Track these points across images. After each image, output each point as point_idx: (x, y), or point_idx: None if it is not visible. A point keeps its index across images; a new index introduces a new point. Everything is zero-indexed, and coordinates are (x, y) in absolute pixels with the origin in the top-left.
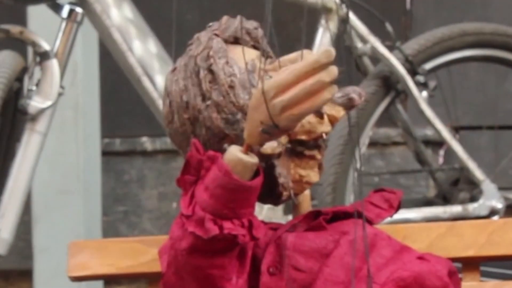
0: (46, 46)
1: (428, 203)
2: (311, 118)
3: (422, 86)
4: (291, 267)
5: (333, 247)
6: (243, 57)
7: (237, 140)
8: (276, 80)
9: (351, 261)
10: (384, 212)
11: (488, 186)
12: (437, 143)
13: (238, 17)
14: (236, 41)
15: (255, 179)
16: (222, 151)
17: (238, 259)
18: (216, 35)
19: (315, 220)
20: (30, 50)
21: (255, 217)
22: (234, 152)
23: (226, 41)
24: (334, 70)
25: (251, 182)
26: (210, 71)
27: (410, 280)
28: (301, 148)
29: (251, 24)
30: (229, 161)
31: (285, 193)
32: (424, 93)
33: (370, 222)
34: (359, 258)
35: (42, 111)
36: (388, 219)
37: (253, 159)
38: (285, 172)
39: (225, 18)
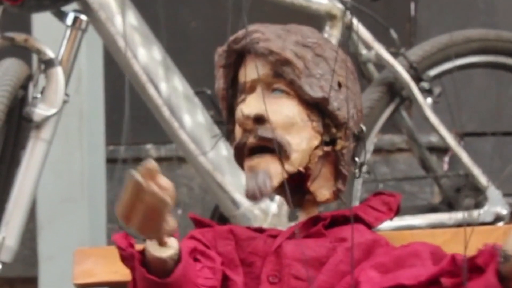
0: (50, 53)
1: (433, 209)
2: None
3: (426, 92)
4: (291, 275)
5: (330, 254)
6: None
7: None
8: (117, 211)
9: (345, 268)
10: (383, 215)
11: (493, 193)
12: (442, 150)
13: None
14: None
15: (176, 269)
16: None
17: None
18: (228, 45)
19: (314, 226)
20: (34, 58)
21: None
22: (148, 249)
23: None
24: (159, 181)
25: (169, 278)
26: None
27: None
28: None
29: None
30: (147, 258)
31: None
32: (429, 100)
33: (370, 226)
34: (347, 263)
35: (47, 118)
36: (393, 225)
37: (166, 253)
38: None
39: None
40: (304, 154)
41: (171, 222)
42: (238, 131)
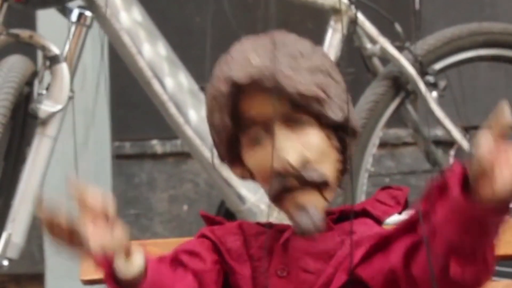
0: (55, 50)
1: None
2: None
3: (432, 86)
4: (300, 269)
5: (338, 248)
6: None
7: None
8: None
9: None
10: (390, 209)
11: None
12: (448, 143)
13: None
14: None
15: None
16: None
17: None
18: (233, 83)
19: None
20: (39, 54)
21: None
22: (116, 269)
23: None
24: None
25: None
26: None
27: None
28: None
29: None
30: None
31: None
32: (434, 93)
33: (378, 220)
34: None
35: (52, 115)
36: (398, 219)
37: (131, 272)
38: None
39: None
40: (334, 177)
41: (121, 234)
42: (262, 169)
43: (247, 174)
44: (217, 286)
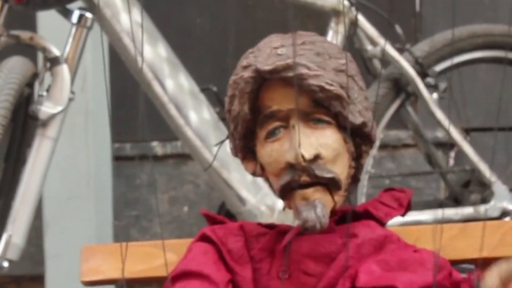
0: (56, 51)
1: (439, 205)
2: None
3: (432, 88)
4: (301, 271)
5: (340, 250)
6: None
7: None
8: None
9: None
10: (393, 210)
11: (499, 188)
12: (448, 145)
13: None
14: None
15: None
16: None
17: None
18: (258, 72)
19: None
20: (40, 56)
21: None
22: None
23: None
24: None
25: None
26: None
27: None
28: None
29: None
30: None
31: None
32: (435, 95)
33: (381, 222)
34: (357, 259)
35: (52, 116)
36: (400, 221)
37: None
38: None
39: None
40: (345, 180)
41: None
42: (276, 162)
43: (259, 169)
44: None
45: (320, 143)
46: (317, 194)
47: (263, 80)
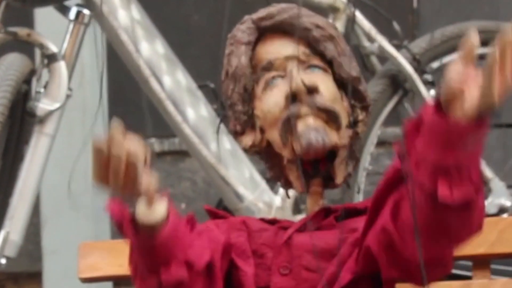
0: (53, 48)
1: None
2: None
3: (430, 84)
4: (302, 267)
5: (341, 246)
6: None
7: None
8: (93, 175)
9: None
10: None
11: (497, 184)
12: None
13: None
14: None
15: (162, 231)
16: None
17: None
18: (254, 22)
19: (326, 218)
20: (37, 53)
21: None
22: (137, 216)
23: (265, 29)
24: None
25: (155, 239)
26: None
27: None
28: None
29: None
30: (139, 226)
31: None
32: (432, 92)
33: None
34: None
35: (50, 113)
36: None
37: (154, 217)
38: None
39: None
40: (344, 131)
41: (150, 180)
42: (276, 105)
43: (259, 134)
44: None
45: (318, 81)
46: (318, 122)
47: (259, 35)
